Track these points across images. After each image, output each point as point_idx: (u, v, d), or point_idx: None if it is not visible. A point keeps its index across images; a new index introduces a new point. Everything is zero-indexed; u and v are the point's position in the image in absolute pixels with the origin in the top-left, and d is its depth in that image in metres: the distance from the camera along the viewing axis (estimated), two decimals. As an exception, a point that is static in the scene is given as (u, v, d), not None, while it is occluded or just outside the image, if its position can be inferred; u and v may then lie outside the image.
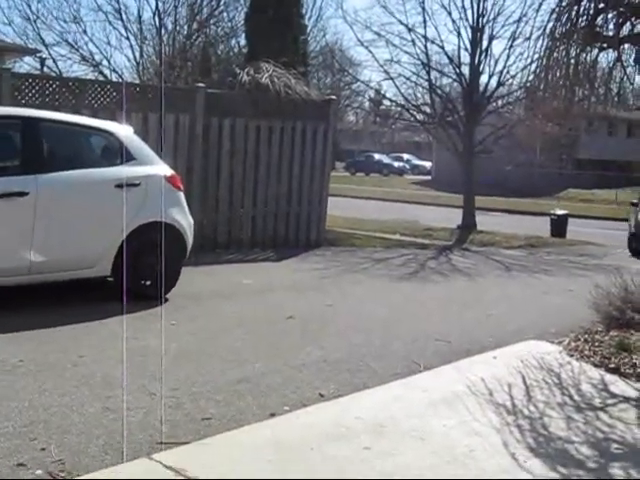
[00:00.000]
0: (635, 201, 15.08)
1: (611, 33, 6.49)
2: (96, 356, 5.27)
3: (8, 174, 6.50)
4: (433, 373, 5.37)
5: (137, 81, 18.88)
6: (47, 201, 6.45)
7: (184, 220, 7.47)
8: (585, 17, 6.36)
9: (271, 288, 8.67)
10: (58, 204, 6.58)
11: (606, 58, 6.82)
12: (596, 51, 6.61)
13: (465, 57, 17.72)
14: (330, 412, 4.40)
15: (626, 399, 4.95)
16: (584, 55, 6.50)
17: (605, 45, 6.57)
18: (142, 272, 7.05)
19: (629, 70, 6.78)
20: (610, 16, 6.47)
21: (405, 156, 58.37)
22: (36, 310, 6.46)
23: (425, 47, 17.42)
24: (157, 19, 19.77)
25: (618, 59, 6.61)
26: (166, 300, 7.14)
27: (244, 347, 5.81)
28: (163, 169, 7.48)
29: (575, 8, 6.33)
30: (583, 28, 6.33)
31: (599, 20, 6.46)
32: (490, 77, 17.58)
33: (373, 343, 6.17)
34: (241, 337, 6.12)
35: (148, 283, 7.10)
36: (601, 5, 6.40)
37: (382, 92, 25.34)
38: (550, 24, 6.53)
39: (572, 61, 6.41)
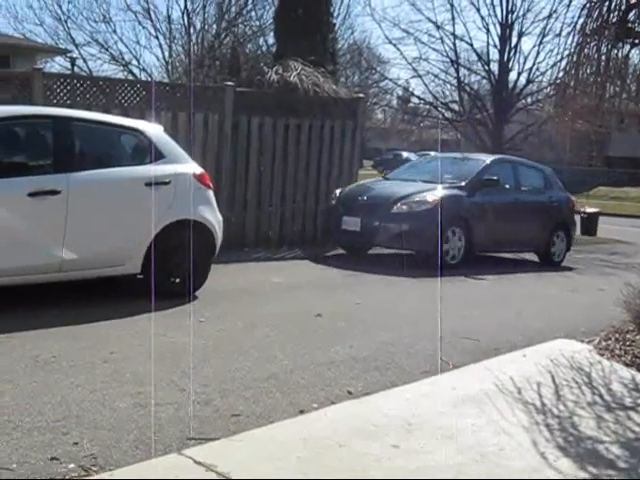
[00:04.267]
0: (388, 175, 13.51)
1: (643, 29, 6.41)
2: (126, 352, 5.33)
3: (40, 173, 6.58)
4: (462, 371, 5.35)
5: (166, 80, 19.04)
6: (78, 199, 6.52)
7: (213, 218, 7.51)
8: (616, 13, 6.29)
9: (299, 286, 8.69)
10: (89, 202, 6.65)
11: (638, 54, 6.75)
12: (628, 47, 6.53)
13: (494, 54, 17.70)
14: (359, 410, 4.41)
15: (658, 399, 4.89)
16: (615, 51, 6.42)
17: (637, 41, 6.48)
18: (172, 270, 7.12)
19: (661, 66, 6.71)
20: (642, 12, 6.39)
21: (433, 154, 58.07)
22: (68, 307, 6.54)
23: (454, 44, 17.50)
24: (186, 18, 19.95)
25: (650, 55, 6.54)
26: (195, 297, 7.19)
27: (273, 344, 5.83)
28: (192, 167, 7.53)
29: (606, 4, 6.25)
30: (614, 24, 6.25)
31: (631, 16, 6.38)
32: (519, 74, 17.54)
33: (402, 341, 6.16)
34: (270, 334, 6.15)
35: (177, 281, 7.17)
36: (633, 0, 6.32)
37: (410, 90, 25.24)
38: (581, 20, 6.46)
39: (603, 57, 6.34)
